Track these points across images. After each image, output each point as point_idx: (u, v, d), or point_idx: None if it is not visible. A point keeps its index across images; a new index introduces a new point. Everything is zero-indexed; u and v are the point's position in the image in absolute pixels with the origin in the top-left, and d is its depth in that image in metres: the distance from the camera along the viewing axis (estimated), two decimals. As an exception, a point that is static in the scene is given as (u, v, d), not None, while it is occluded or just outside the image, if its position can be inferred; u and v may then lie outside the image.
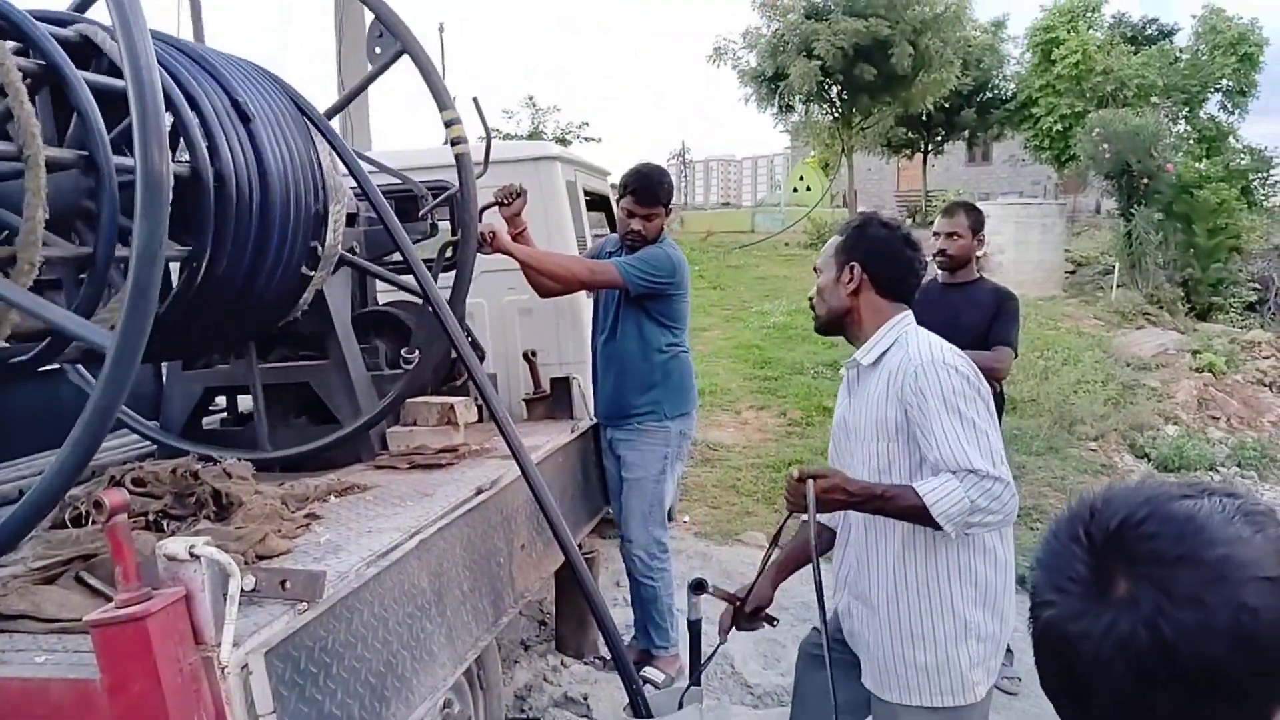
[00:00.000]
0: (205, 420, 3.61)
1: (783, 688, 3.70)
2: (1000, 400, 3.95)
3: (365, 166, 3.24)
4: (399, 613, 2.17)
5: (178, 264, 2.53)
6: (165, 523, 2.33)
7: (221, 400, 3.63)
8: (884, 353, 2.18)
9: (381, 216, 3.03)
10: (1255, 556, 0.68)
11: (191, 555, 1.69)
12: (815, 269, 2.34)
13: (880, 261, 2.21)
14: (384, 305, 3.77)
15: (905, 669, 2.13)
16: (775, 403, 7.89)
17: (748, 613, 2.51)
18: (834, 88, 21.42)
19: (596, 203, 5.00)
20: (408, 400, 3.30)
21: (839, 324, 2.27)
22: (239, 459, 2.82)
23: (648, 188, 3.64)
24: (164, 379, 3.51)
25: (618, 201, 3.74)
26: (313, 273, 3.02)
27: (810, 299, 2.34)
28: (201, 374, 3.45)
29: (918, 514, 1.99)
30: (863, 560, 2.22)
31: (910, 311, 2.25)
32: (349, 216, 3.35)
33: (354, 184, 3.09)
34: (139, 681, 1.61)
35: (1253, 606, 0.67)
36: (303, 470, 3.11)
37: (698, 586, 2.70)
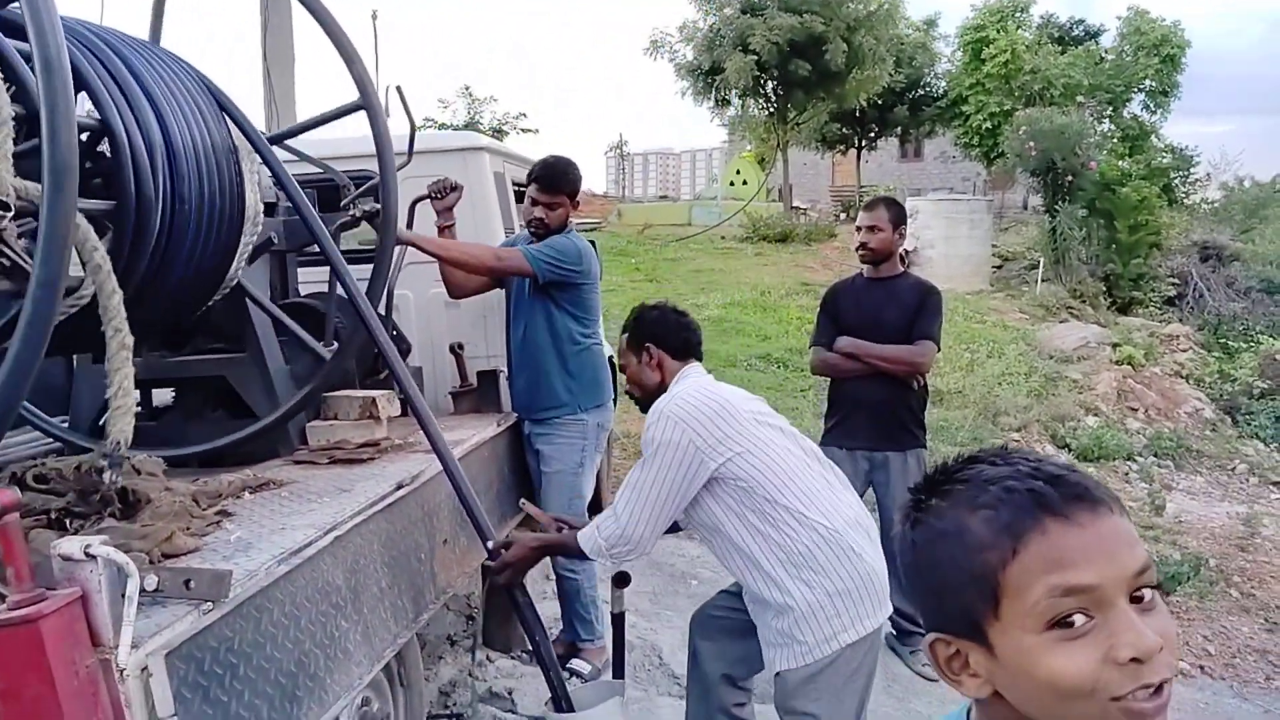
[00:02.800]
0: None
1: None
2: (925, 392, 4.02)
3: (284, 155, 3.17)
4: (312, 611, 2.12)
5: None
6: (69, 521, 2.26)
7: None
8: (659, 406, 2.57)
9: (297, 205, 2.96)
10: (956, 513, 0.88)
11: (87, 555, 1.64)
12: (621, 366, 2.85)
13: (665, 335, 2.69)
14: (304, 297, 3.69)
15: (777, 638, 2.42)
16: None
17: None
18: (769, 83, 21.60)
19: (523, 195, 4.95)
20: (328, 394, 3.24)
21: (658, 395, 2.64)
22: (150, 455, 2.75)
23: (552, 177, 3.65)
24: (72, 374, 3.40)
25: (524, 190, 3.73)
26: (231, 263, 2.95)
27: (628, 391, 2.82)
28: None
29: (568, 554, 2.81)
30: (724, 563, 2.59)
31: (697, 364, 2.71)
32: (268, 206, 3.27)
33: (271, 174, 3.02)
34: (33, 686, 1.56)
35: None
36: (219, 466, 3.04)
37: (621, 579, 2.71)
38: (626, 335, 2.76)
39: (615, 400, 4.28)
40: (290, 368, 3.31)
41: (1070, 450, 7.36)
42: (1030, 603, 0.81)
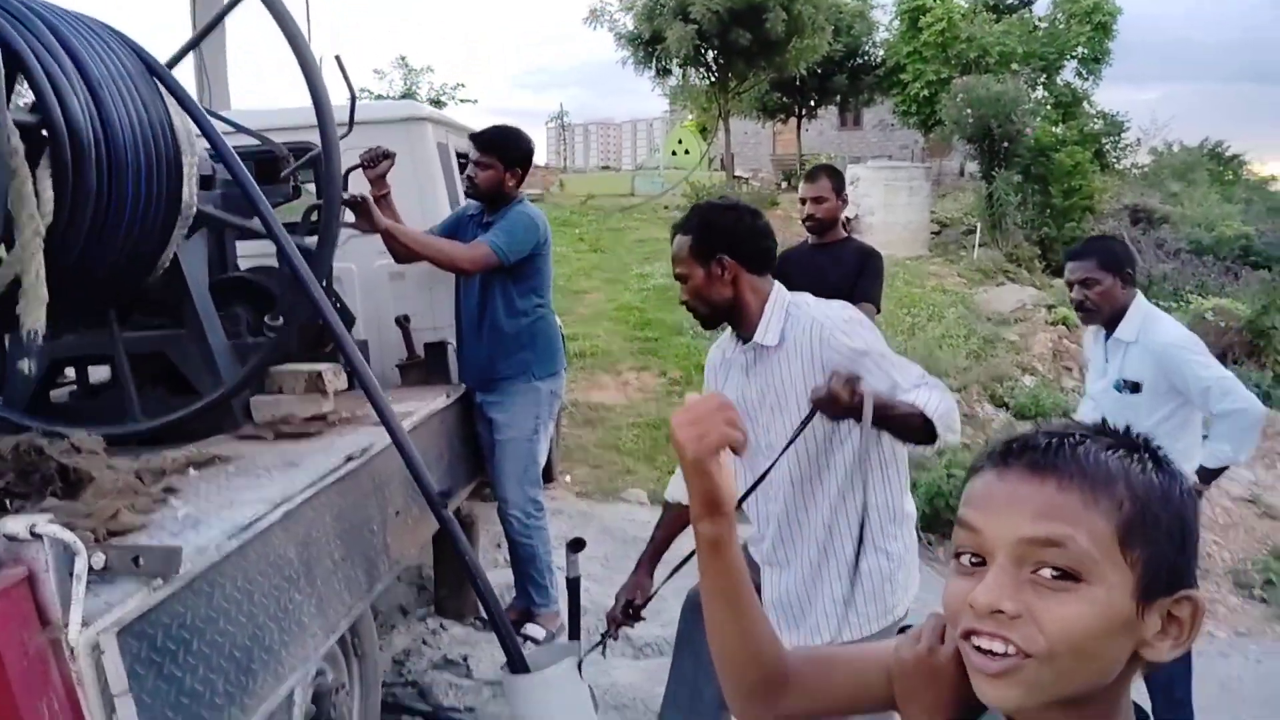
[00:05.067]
0: (54, 394, 3.43)
1: (663, 639, 3.77)
2: None
3: (221, 126, 3.10)
4: (264, 585, 2.11)
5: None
6: (8, 501, 2.21)
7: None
8: (782, 330, 2.24)
9: (236, 176, 2.90)
10: None
11: (33, 534, 1.61)
12: (679, 276, 2.30)
13: (742, 243, 2.25)
14: (245, 271, 3.63)
15: (847, 610, 2.24)
16: (655, 363, 7.97)
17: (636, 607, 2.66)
18: (710, 52, 21.51)
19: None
20: (273, 368, 3.19)
21: (725, 316, 2.31)
22: (89, 433, 2.70)
23: (487, 138, 3.67)
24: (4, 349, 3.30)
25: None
26: (171, 233, 2.89)
27: (685, 303, 2.33)
28: (48, 345, 3.26)
29: (910, 423, 2.07)
30: (790, 526, 2.31)
31: (778, 283, 2.32)
32: (205, 179, 3.20)
33: (207, 145, 2.95)
34: (-19, 667, 1.53)
35: None
36: (161, 444, 2.99)
37: (575, 545, 2.73)
38: (689, 240, 2.25)
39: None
40: (231, 343, 3.26)
41: (1008, 409, 7.55)
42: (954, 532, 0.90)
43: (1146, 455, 0.86)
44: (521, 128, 3.83)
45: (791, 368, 2.23)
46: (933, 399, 2.06)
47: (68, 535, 1.63)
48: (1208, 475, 3.24)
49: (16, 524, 1.62)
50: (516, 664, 2.60)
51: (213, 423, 3.16)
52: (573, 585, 2.75)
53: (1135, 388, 3.20)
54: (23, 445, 2.30)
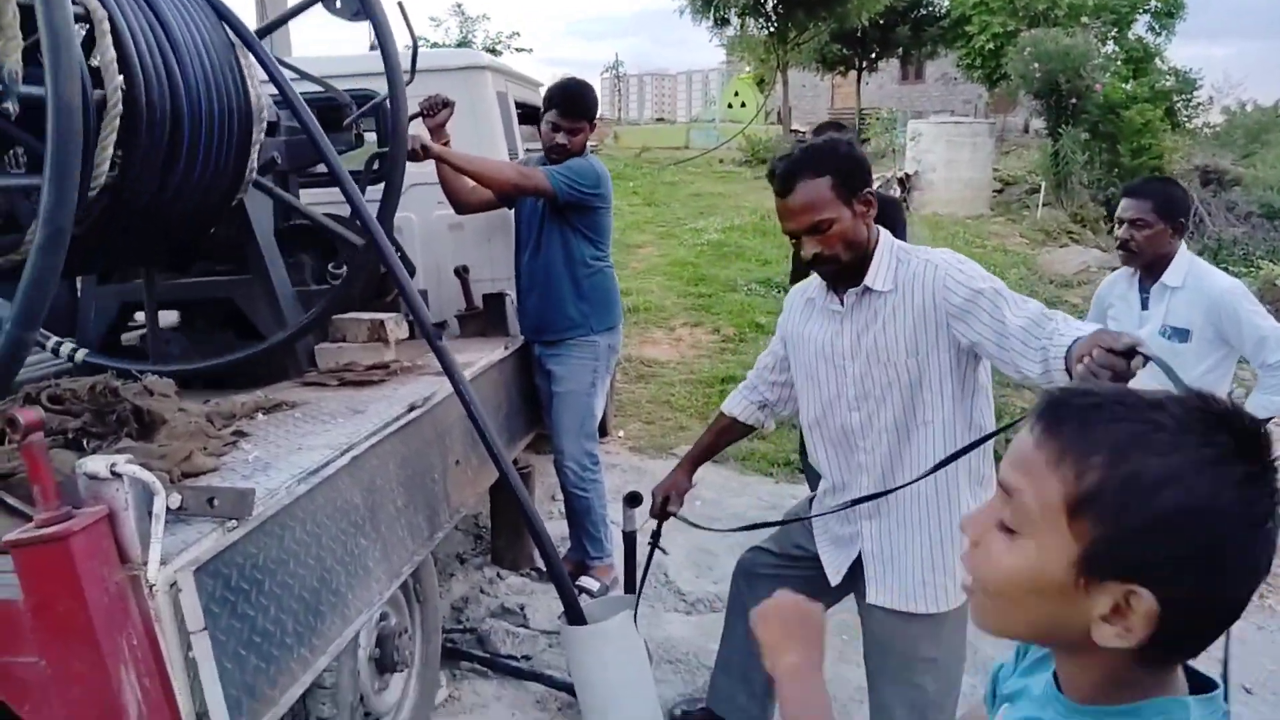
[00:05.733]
0: (125, 337, 3.51)
1: (715, 595, 3.79)
2: None
3: (286, 74, 3.10)
4: (332, 529, 2.15)
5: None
6: (86, 441, 2.27)
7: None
8: (896, 266, 2.14)
9: (306, 126, 2.91)
10: None
11: (113, 474, 1.65)
12: (821, 223, 2.07)
13: (868, 175, 2.15)
14: (308, 218, 3.65)
15: (939, 575, 2.17)
16: (709, 319, 7.92)
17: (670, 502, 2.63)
18: (770, 1, 21.11)
19: (528, 115, 4.88)
20: (336, 316, 3.23)
21: (864, 259, 2.15)
22: (159, 374, 2.76)
23: (572, 101, 3.59)
24: (79, 294, 3.38)
25: (542, 115, 3.66)
26: (238, 189, 2.92)
27: (818, 255, 2.12)
28: (118, 289, 3.33)
29: None
30: (890, 474, 2.20)
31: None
32: (270, 126, 3.22)
33: (275, 91, 2.96)
34: (63, 601, 1.58)
35: None
36: (228, 388, 3.05)
37: (632, 499, 2.74)
38: (829, 181, 2.06)
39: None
40: (296, 290, 3.30)
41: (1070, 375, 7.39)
42: None
43: (1204, 449, 0.77)
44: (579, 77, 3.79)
45: (901, 316, 2.12)
46: (1073, 326, 1.89)
47: (146, 475, 1.67)
48: None
49: (97, 463, 1.66)
50: (574, 616, 2.63)
51: (278, 368, 3.22)
52: (629, 539, 2.77)
53: (1184, 335, 3.13)
54: (99, 386, 2.35)
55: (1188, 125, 20.74)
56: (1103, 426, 0.81)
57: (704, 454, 2.69)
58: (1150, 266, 3.22)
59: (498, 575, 3.76)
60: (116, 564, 1.64)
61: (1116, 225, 3.31)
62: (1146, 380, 2.73)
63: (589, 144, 3.72)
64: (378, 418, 2.58)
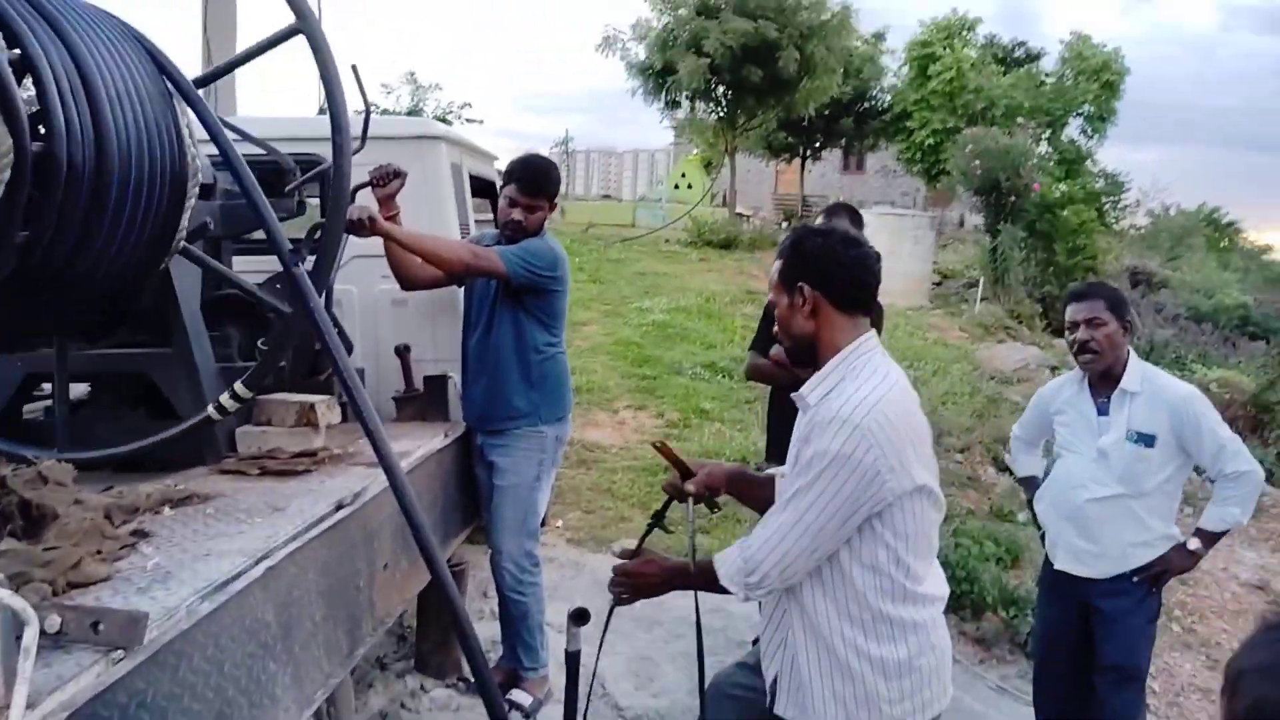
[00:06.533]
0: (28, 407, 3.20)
1: (655, 710, 3.54)
2: None
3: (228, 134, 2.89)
4: (237, 653, 1.89)
5: None
6: (-40, 539, 1.98)
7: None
8: (828, 393, 1.99)
9: (245, 188, 2.68)
10: None
11: (-24, 599, 1.39)
12: (769, 302, 2.17)
13: (828, 272, 2.02)
14: (240, 288, 3.41)
15: (832, 708, 2.03)
16: (653, 403, 7.76)
17: (694, 488, 2.37)
18: (720, 87, 21.52)
19: (481, 189, 4.72)
20: (262, 397, 2.98)
21: (809, 352, 2.08)
22: (59, 458, 2.47)
23: (533, 178, 3.44)
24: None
25: (501, 189, 3.51)
26: (164, 255, 2.68)
27: (776, 337, 2.18)
28: (23, 358, 3.04)
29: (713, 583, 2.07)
30: (793, 602, 2.09)
31: (872, 331, 2.09)
32: (205, 188, 3.00)
33: (213, 151, 2.74)
34: (-100, 753, 1.31)
35: None
36: (136, 471, 2.76)
37: (579, 616, 2.51)
38: (779, 264, 2.09)
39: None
40: (220, 366, 3.04)
41: (1010, 473, 7.34)
42: None
43: None
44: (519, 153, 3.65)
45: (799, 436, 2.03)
46: (747, 553, 2.01)
47: (18, 601, 1.41)
48: (1210, 539, 3.20)
49: (-42, 587, 1.40)
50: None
51: (194, 452, 2.95)
52: (572, 660, 2.52)
53: (1150, 441, 3.12)
54: (-18, 475, 2.08)
55: (1115, 227, 21.48)
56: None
57: (747, 480, 2.47)
58: (1105, 372, 3.22)
59: (421, 687, 3.46)
60: (-29, 707, 1.37)
61: (1068, 331, 3.29)
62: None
63: (546, 223, 3.57)
64: (300, 517, 2.33)
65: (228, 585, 1.90)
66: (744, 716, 2.26)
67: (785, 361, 3.67)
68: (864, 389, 1.94)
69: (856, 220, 3.88)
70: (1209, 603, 5.43)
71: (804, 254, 2.05)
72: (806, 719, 2.07)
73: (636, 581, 2.21)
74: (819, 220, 3.98)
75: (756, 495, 2.39)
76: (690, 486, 2.36)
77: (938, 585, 2.12)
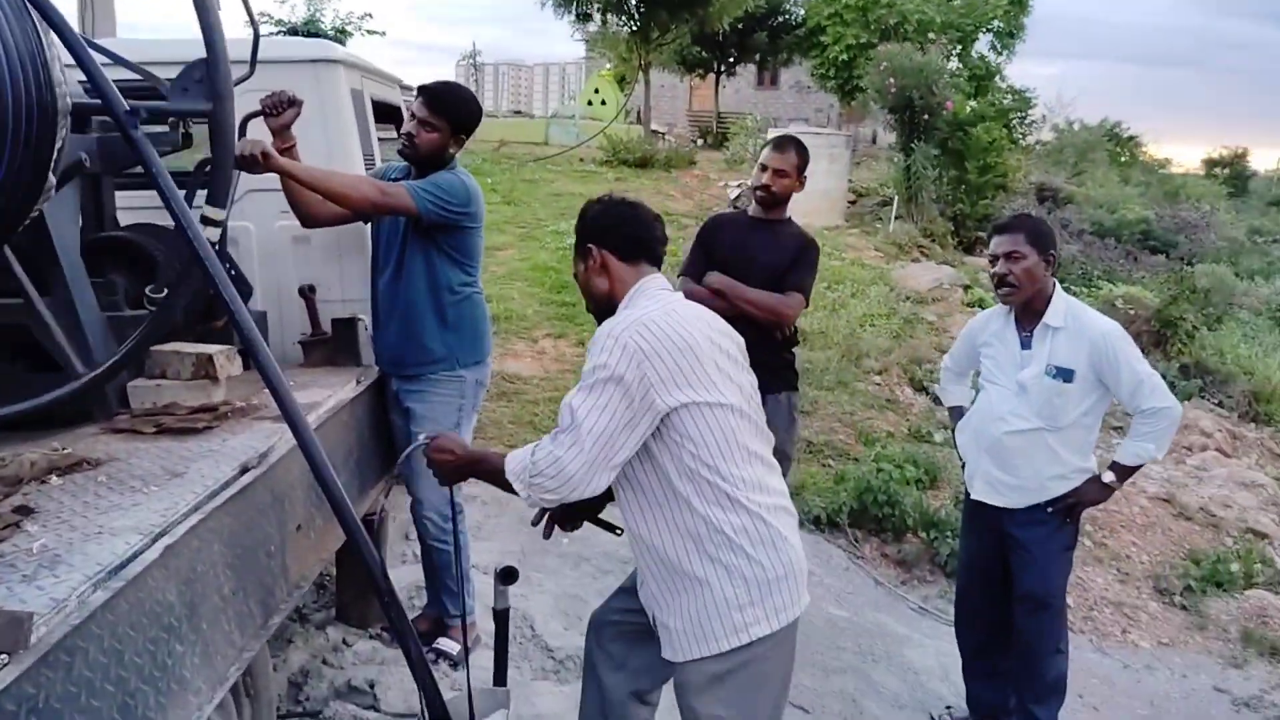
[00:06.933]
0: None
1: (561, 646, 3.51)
2: (795, 336, 3.89)
3: (101, 59, 2.61)
4: (138, 641, 1.74)
5: None
6: None
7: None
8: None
9: (117, 119, 2.43)
10: None
11: None
12: (574, 274, 2.42)
13: (607, 231, 2.29)
14: (123, 230, 3.16)
15: (683, 624, 2.15)
16: (573, 330, 7.62)
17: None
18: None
19: (385, 116, 4.45)
20: (155, 348, 2.76)
21: (609, 307, 2.28)
22: None
23: (434, 94, 3.24)
24: None
25: (408, 107, 3.31)
26: (41, 184, 2.42)
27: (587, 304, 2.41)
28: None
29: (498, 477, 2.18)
30: (631, 526, 2.24)
31: (656, 273, 2.30)
32: (78, 120, 2.72)
33: (84, 79, 2.47)
34: None
35: None
36: (16, 431, 2.55)
37: (507, 575, 2.42)
38: (575, 244, 2.38)
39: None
40: (106, 315, 2.81)
41: (927, 393, 7.48)
42: None
43: None
44: (420, 63, 3.43)
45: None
46: (537, 455, 2.11)
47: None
48: (1125, 472, 3.28)
49: None
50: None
51: (82, 409, 2.73)
52: (501, 618, 2.44)
53: (1069, 375, 3.15)
54: None
55: (1022, 143, 21.77)
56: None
57: None
58: (1028, 305, 3.23)
59: (343, 641, 3.34)
60: None
61: (990, 264, 3.29)
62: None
63: (457, 156, 3.36)
64: (200, 483, 2.17)
65: (123, 569, 1.75)
66: (626, 637, 2.40)
67: (721, 288, 3.60)
68: (635, 312, 2.16)
69: (804, 155, 3.77)
70: (1118, 517, 5.63)
71: (586, 220, 2.33)
72: (675, 655, 2.18)
73: (439, 459, 2.29)
74: (768, 149, 3.85)
75: None
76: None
77: (772, 494, 2.21)
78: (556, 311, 8.08)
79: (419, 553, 3.72)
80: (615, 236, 2.27)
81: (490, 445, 5.50)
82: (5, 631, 1.44)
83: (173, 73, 3.10)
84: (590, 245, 2.28)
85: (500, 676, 2.46)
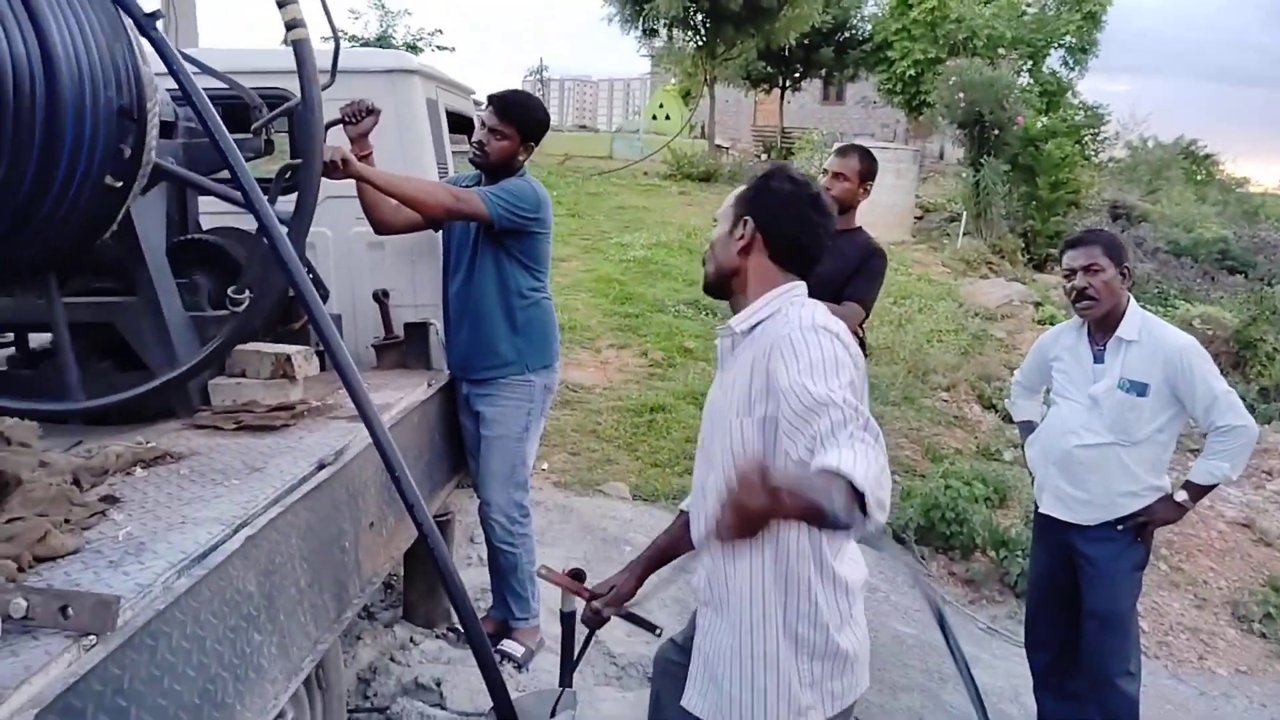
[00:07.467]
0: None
1: (648, 657, 3.49)
2: (862, 349, 3.83)
3: (188, 68, 2.69)
4: (219, 628, 1.78)
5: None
6: (-83, 508, 1.86)
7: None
8: (760, 322, 1.92)
9: (206, 124, 2.50)
10: None
11: (-70, 589, 1.27)
12: (715, 218, 2.08)
13: (778, 221, 1.95)
14: (207, 233, 3.24)
15: (739, 690, 1.90)
16: (636, 341, 7.64)
17: (604, 606, 2.30)
18: (699, 15, 21.02)
19: (458, 126, 4.52)
20: (236, 347, 2.83)
21: (725, 284, 2.01)
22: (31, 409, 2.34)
23: (503, 101, 3.29)
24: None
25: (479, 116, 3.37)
26: (119, 184, 2.50)
27: (704, 253, 2.07)
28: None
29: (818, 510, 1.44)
30: (720, 564, 1.95)
31: (803, 284, 1.99)
32: (165, 125, 2.81)
33: (173, 85, 2.55)
34: None
35: None
36: (103, 425, 2.63)
37: (575, 576, 2.42)
38: (740, 191, 2.04)
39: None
40: (189, 315, 2.89)
41: (996, 411, 7.33)
42: None
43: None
44: (491, 80, 3.49)
45: (742, 364, 1.90)
46: (858, 459, 1.48)
47: (-22, 591, 1.29)
48: (1199, 492, 3.19)
49: (-89, 573, 1.28)
50: (505, 716, 2.28)
51: (165, 405, 2.81)
52: (568, 620, 2.45)
53: (1142, 390, 3.08)
54: (-60, 439, 1.94)
55: (1094, 160, 21.31)
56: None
57: (657, 558, 2.32)
58: (1104, 319, 3.17)
59: (410, 639, 3.37)
60: (-71, 704, 1.26)
61: (1065, 278, 3.23)
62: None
63: (525, 164, 3.40)
64: (280, 478, 2.22)
65: (206, 557, 1.79)
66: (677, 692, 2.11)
67: None
68: (818, 313, 1.86)
69: (869, 163, 3.70)
70: (1195, 541, 5.45)
71: (767, 192, 1.97)
72: (714, 708, 1.96)
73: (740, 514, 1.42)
74: (832, 155, 3.81)
75: (672, 555, 2.27)
76: (598, 605, 2.28)
77: (859, 564, 1.99)
78: (620, 323, 8.11)
79: (483, 556, 3.75)
80: (782, 230, 1.94)
81: (554, 454, 5.53)
82: (94, 614, 1.48)
83: (257, 82, 3.22)
84: (749, 218, 1.95)
85: (566, 678, 2.46)
